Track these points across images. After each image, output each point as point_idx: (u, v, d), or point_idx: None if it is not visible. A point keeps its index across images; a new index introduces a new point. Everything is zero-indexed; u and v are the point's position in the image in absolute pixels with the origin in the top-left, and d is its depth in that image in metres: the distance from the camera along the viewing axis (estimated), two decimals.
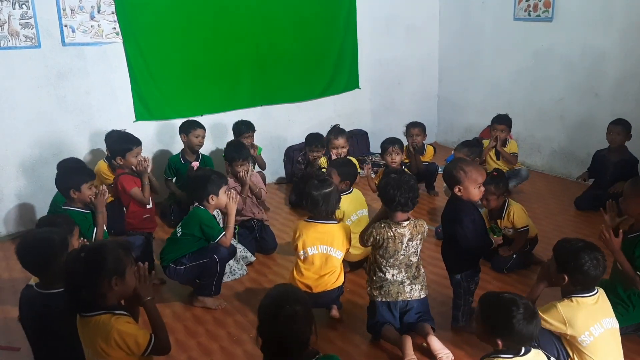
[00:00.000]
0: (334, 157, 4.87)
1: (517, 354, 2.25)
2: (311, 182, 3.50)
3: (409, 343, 3.03)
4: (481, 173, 3.18)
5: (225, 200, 3.64)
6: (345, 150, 5.06)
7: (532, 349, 2.30)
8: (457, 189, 3.15)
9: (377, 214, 3.21)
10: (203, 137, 5.16)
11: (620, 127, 4.99)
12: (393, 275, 3.12)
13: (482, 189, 3.19)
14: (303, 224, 3.45)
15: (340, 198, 3.57)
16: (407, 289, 3.15)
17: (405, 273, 3.13)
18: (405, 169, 4.99)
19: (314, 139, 5.29)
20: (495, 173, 4.10)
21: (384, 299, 3.15)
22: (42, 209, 4.80)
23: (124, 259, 2.34)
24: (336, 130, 5.09)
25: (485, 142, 5.57)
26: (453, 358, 3.02)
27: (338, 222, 3.49)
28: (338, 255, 3.38)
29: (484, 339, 2.35)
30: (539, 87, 6.17)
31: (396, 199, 3.00)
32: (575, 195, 5.30)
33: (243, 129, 5.32)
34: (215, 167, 5.38)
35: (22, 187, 4.98)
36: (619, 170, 4.92)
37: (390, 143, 5.07)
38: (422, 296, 3.19)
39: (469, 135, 6.53)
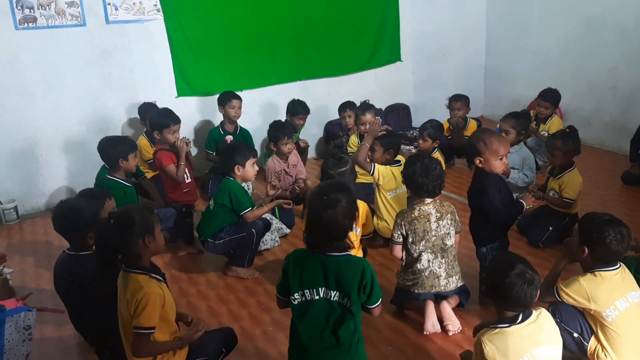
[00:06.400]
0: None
1: (513, 321, 2.19)
2: (328, 160, 3.52)
3: (431, 307, 3.05)
4: (503, 144, 3.10)
5: (252, 172, 3.69)
6: None
7: (533, 310, 2.24)
8: (477, 161, 3.10)
9: None
10: (239, 108, 5.20)
11: None
12: (429, 261, 3.09)
13: (505, 160, 3.11)
14: None
15: (356, 176, 3.58)
16: (443, 282, 3.14)
17: (442, 258, 3.10)
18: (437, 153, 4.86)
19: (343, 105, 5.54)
20: (568, 130, 4.01)
21: (417, 290, 3.14)
22: (90, 184, 4.99)
23: (151, 218, 2.45)
24: (364, 106, 5.05)
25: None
26: (460, 329, 3.03)
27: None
28: (355, 230, 3.35)
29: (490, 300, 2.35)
30: (590, 57, 5.89)
31: (424, 187, 3.04)
32: (624, 170, 5.08)
33: (299, 109, 5.36)
34: (255, 141, 5.48)
35: (71, 162, 5.21)
36: None
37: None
38: (459, 285, 3.20)
39: (517, 108, 6.27)
